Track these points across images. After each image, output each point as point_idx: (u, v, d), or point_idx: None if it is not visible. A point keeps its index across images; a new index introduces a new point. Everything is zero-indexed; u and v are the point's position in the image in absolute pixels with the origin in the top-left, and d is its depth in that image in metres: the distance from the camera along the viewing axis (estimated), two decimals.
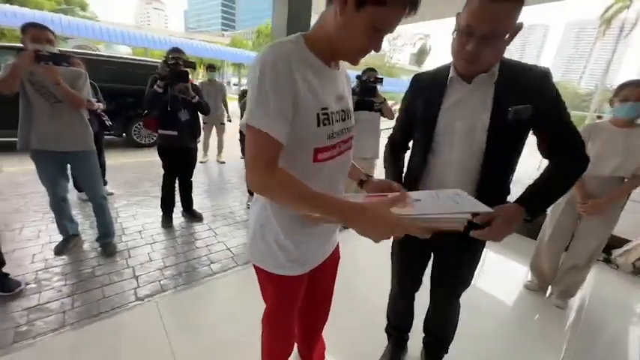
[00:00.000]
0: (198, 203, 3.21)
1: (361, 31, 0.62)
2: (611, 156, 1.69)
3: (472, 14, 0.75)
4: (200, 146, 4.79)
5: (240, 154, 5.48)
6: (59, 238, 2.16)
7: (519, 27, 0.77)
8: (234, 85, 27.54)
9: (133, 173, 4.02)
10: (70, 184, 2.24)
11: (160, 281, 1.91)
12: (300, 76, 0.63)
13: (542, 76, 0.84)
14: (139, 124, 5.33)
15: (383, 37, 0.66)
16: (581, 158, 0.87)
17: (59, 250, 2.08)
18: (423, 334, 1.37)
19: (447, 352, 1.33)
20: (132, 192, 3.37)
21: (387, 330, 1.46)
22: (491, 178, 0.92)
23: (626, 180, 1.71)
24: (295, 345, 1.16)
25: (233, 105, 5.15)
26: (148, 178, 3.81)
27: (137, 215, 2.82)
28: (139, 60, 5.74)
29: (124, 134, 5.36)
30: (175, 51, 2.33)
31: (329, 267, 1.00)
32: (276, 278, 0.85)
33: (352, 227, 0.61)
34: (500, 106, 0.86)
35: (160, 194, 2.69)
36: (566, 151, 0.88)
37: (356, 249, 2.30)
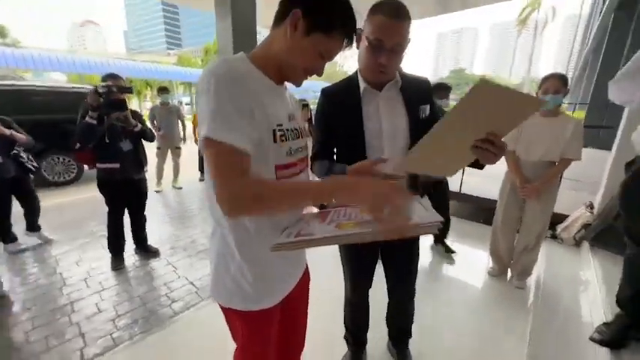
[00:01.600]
0: (154, 237, 2.96)
1: (308, 54, 0.67)
2: (539, 143, 1.86)
3: (380, 30, 0.87)
4: (153, 174, 4.55)
5: (199, 176, 5.22)
6: None
7: (409, 41, 0.92)
8: (187, 104, 26.55)
9: (73, 213, 3.61)
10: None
11: (111, 334, 1.68)
12: (252, 91, 0.63)
13: (427, 83, 1.09)
14: (56, 158, 4.78)
15: (324, 64, 0.71)
16: None
17: None
18: (388, 329, 1.46)
19: (411, 336, 1.44)
20: (73, 235, 3.00)
21: (345, 337, 1.47)
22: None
23: (556, 163, 1.89)
24: None
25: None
26: (92, 217, 3.43)
27: (81, 261, 2.51)
28: (45, 87, 4.99)
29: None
30: (110, 77, 2.14)
31: (300, 291, 0.94)
32: (245, 315, 0.77)
33: (353, 196, 0.61)
34: (412, 106, 1.02)
35: (107, 234, 2.42)
36: None
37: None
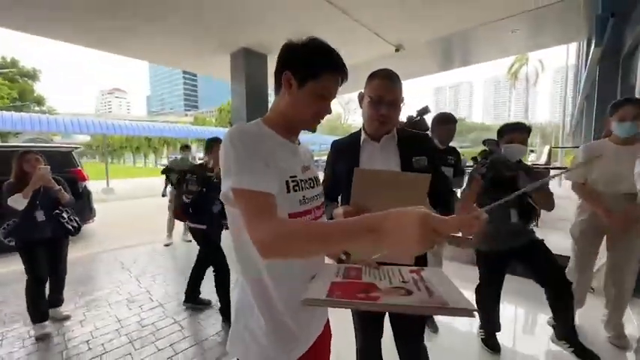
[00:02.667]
0: (160, 293, 2.87)
1: (308, 102, 0.75)
2: (625, 174, 1.65)
3: (380, 88, 1.07)
4: (164, 226, 4.60)
5: None
6: None
7: (403, 99, 1.11)
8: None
9: None
10: None
11: None
12: (264, 147, 0.70)
13: (426, 137, 1.23)
14: None
15: (329, 103, 0.79)
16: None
17: None
18: None
19: None
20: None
21: None
22: None
23: None
24: None
25: None
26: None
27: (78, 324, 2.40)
28: None
29: None
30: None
31: (321, 347, 0.88)
32: None
33: (380, 236, 0.51)
34: (405, 157, 1.13)
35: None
36: (442, 192, 1.17)
37: None
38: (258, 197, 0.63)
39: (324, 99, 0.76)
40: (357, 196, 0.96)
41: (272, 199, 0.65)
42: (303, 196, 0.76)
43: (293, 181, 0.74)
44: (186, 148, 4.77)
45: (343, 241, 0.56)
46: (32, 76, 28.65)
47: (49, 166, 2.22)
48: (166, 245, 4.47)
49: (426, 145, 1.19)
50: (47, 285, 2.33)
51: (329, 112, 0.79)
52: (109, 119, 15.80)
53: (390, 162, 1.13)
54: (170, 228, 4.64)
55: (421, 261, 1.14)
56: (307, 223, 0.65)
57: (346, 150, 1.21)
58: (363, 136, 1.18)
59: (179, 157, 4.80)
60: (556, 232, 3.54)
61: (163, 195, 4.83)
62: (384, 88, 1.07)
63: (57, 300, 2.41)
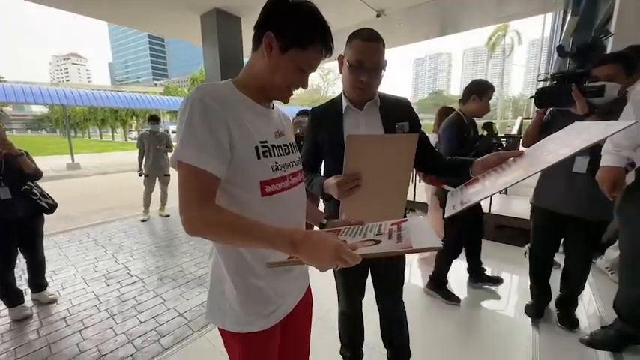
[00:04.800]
0: (139, 268, 2.83)
1: (287, 71, 0.69)
2: None
3: (360, 52, 0.99)
4: (139, 202, 4.43)
5: None
6: None
7: (386, 63, 1.02)
8: (173, 132, 26.56)
9: None
10: None
11: None
12: (231, 112, 0.65)
13: (408, 103, 1.18)
14: None
15: (307, 76, 0.74)
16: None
17: None
18: (386, 350, 1.41)
19: (410, 356, 1.40)
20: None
21: (341, 352, 1.46)
22: None
23: None
24: None
25: None
26: None
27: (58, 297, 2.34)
28: None
29: None
30: None
31: (301, 314, 0.90)
32: (242, 337, 0.75)
33: (298, 252, 0.59)
34: (389, 123, 1.11)
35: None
36: (433, 155, 1.18)
37: None
38: (197, 175, 0.61)
39: (302, 71, 0.71)
40: (351, 164, 0.96)
41: (212, 181, 0.62)
42: (276, 163, 0.72)
43: (263, 147, 0.70)
44: (154, 119, 4.38)
45: (265, 244, 0.60)
46: None
47: (1, 125, 1.99)
48: (143, 221, 4.35)
49: (408, 110, 1.17)
50: (28, 269, 2.23)
51: (304, 85, 0.74)
52: (67, 87, 14.38)
53: (373, 129, 1.10)
54: (146, 203, 4.49)
55: None
56: (236, 219, 0.61)
57: (327, 118, 1.15)
58: (344, 102, 1.11)
59: (148, 130, 4.39)
60: (520, 198, 3.81)
61: (140, 174, 4.35)
62: (364, 52, 0.98)
63: (40, 285, 2.29)
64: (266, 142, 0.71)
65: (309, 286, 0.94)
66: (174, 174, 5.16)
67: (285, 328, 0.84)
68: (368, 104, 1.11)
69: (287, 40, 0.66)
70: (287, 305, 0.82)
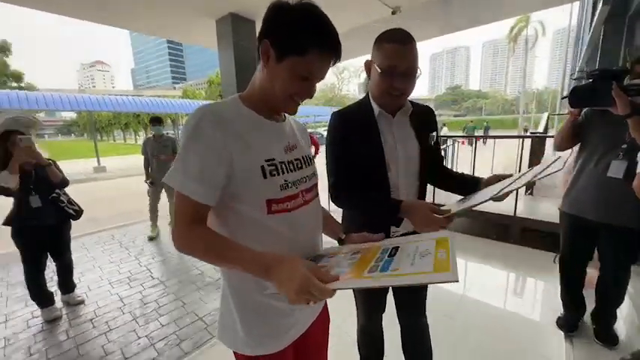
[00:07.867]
0: (161, 270, 2.91)
1: (286, 80, 0.64)
2: None
3: (392, 56, 0.88)
4: (146, 214, 4.18)
5: None
6: None
7: (420, 69, 0.92)
8: None
9: None
10: None
11: None
12: (231, 133, 0.63)
13: (432, 111, 1.13)
14: None
15: (312, 84, 0.68)
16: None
17: None
18: None
19: None
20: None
21: None
22: (424, 192, 1.13)
23: None
24: None
25: None
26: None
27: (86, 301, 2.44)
28: None
29: None
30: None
31: (317, 334, 0.86)
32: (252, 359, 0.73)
33: (270, 279, 0.58)
34: (421, 133, 1.05)
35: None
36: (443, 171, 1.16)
37: None
38: (184, 200, 0.62)
39: (305, 79, 0.65)
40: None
41: (198, 207, 0.62)
42: (285, 180, 0.68)
43: (270, 165, 0.66)
44: (156, 121, 3.84)
45: (242, 268, 0.60)
46: (2, 49, 26.69)
47: (30, 136, 2.03)
48: (150, 239, 3.79)
49: (434, 120, 1.13)
50: (58, 272, 2.34)
51: (310, 95, 0.68)
52: (93, 94, 15.08)
53: (408, 140, 1.04)
54: (153, 217, 3.91)
55: None
56: (217, 241, 0.61)
57: (360, 124, 1.01)
58: (376, 108, 1.00)
59: (152, 134, 3.83)
60: (548, 200, 3.60)
61: (148, 181, 3.89)
62: (397, 56, 0.88)
63: (69, 287, 2.39)
64: (273, 159, 0.68)
65: (326, 303, 0.90)
66: None
67: (299, 350, 0.81)
68: (400, 111, 1.02)
69: (282, 46, 0.62)
70: (300, 325, 0.78)
